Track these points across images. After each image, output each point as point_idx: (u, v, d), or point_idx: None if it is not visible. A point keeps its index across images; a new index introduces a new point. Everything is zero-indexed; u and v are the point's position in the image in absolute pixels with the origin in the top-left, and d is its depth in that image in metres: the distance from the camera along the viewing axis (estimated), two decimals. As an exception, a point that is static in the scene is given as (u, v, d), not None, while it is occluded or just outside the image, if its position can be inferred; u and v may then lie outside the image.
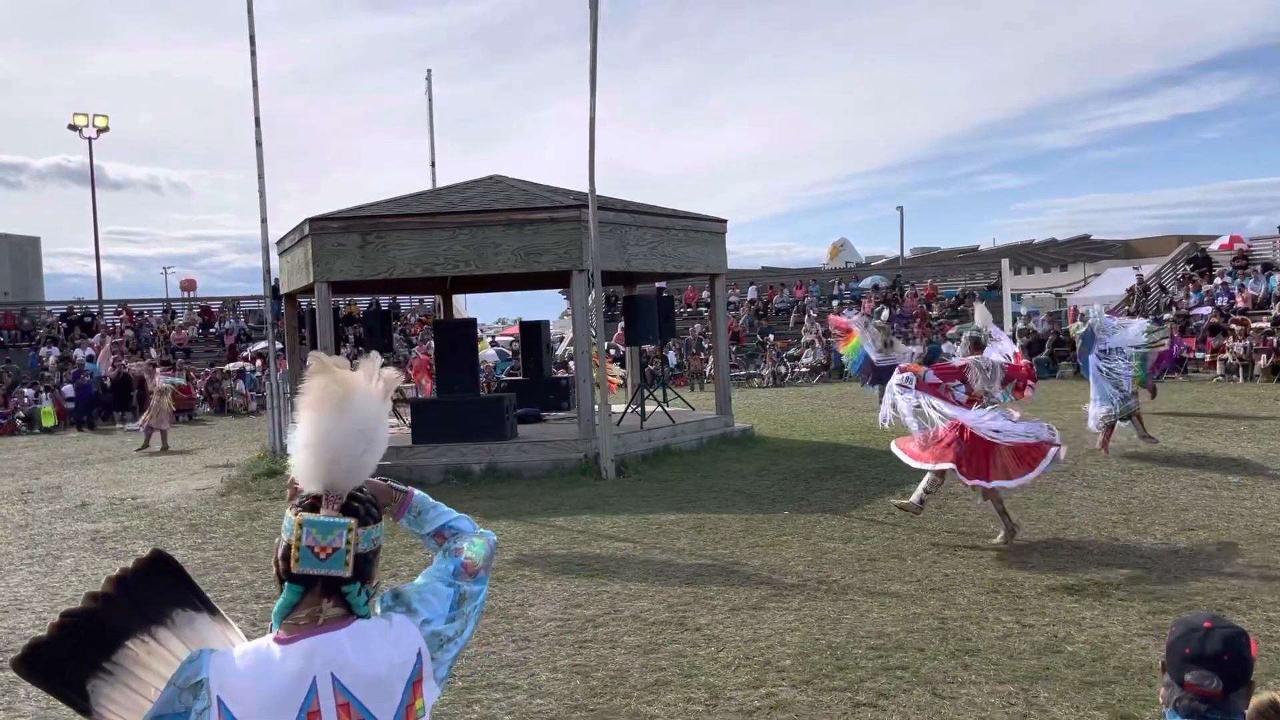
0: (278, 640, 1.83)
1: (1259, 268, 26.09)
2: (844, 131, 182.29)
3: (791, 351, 29.04)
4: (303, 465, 1.88)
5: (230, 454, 16.37)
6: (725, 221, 15.87)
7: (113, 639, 1.94)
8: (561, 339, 30.00)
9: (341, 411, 1.86)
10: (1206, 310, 24.51)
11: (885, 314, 28.62)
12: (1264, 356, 21.12)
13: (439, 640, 1.88)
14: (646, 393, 15.09)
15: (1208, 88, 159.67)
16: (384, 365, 1.99)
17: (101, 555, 8.98)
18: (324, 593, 1.83)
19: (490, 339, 32.81)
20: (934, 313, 30.83)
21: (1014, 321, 28.56)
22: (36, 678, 1.93)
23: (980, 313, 9.25)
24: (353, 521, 1.83)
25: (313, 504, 1.86)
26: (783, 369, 27.75)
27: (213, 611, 2.11)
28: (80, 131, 38.55)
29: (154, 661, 1.96)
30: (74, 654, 1.92)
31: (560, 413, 16.13)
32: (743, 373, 27.57)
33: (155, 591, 2.03)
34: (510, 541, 8.72)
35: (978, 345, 8.31)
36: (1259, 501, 8.96)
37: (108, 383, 24.36)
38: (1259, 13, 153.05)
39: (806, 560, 7.57)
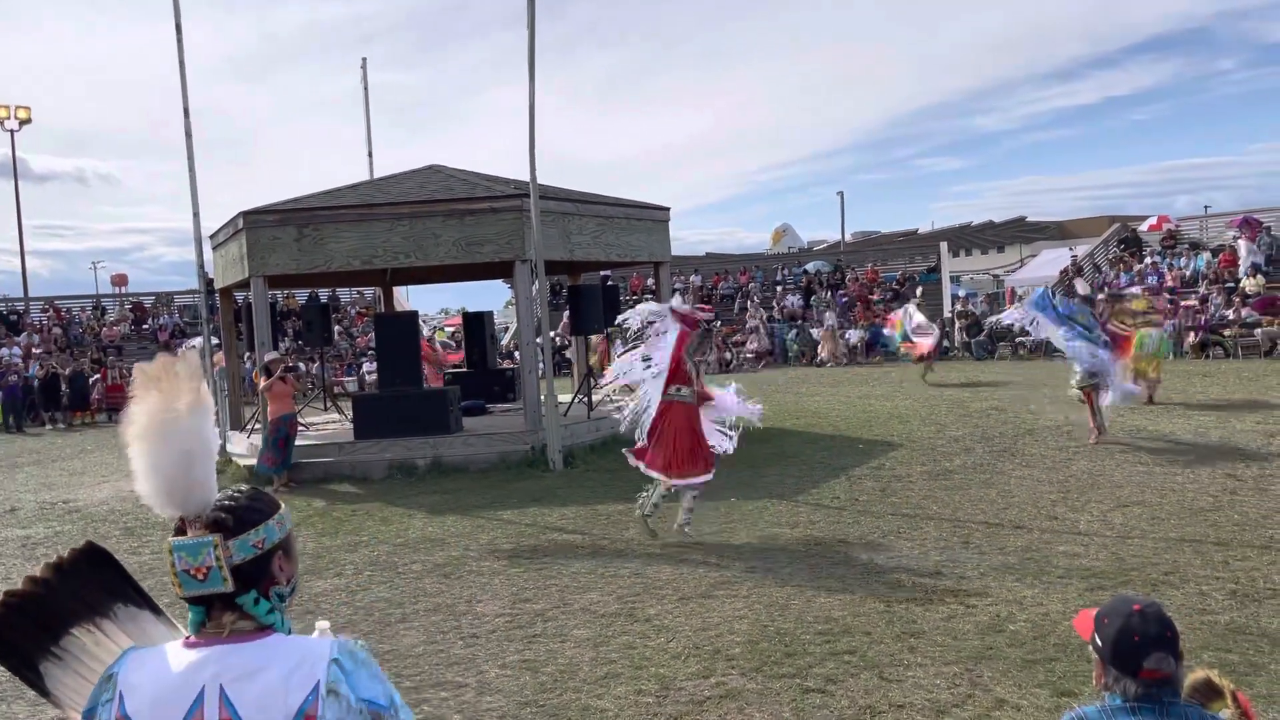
0: (185, 644, 1.82)
1: (1187, 247, 26.83)
2: (785, 116, 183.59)
3: (737, 338, 29.18)
4: (147, 494, 1.83)
5: (167, 453, 15.97)
6: (668, 209, 15.87)
7: (58, 625, 1.95)
8: (506, 329, 29.80)
9: (165, 435, 1.80)
10: (1137, 290, 25.12)
11: (919, 294, 29.02)
12: (1192, 334, 21.74)
13: (343, 673, 1.77)
14: (593, 382, 15.05)
15: (1137, 70, 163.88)
16: (197, 359, 1.91)
17: (32, 562, 8.70)
18: (223, 608, 1.80)
19: (434, 329, 32.46)
20: (875, 297, 31.20)
21: (953, 304, 29.01)
22: None
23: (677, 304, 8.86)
24: (217, 537, 1.77)
25: (181, 526, 1.82)
26: (728, 355, 27.87)
27: (155, 610, 2.08)
28: (1, 124, 37.25)
29: (101, 652, 1.96)
30: (22, 633, 1.93)
31: (506, 404, 16.03)
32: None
33: (94, 583, 2.01)
34: (457, 536, 8.64)
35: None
36: (1190, 477, 9.22)
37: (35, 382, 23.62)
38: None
39: (754, 547, 7.62)
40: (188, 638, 1.83)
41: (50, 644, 1.94)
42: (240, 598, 1.79)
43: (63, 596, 1.96)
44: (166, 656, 1.81)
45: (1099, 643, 2.17)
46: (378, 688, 1.80)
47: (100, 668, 1.91)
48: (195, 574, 1.77)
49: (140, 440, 1.81)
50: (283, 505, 1.92)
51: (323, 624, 2.02)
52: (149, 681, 1.78)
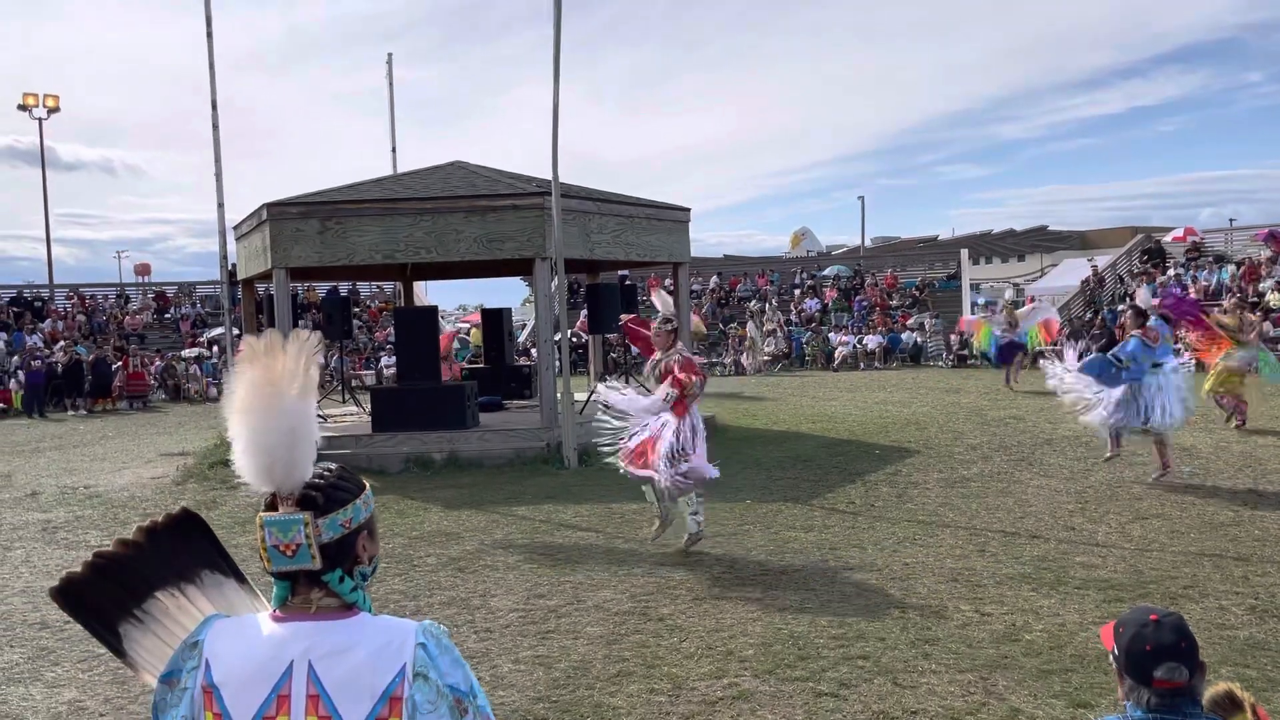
0: (273, 618, 1.84)
1: (1211, 259, 26.62)
2: (807, 120, 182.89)
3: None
4: (245, 469, 1.85)
5: (186, 441, 16.11)
6: (688, 210, 15.86)
7: (142, 587, 1.99)
8: (524, 326, 29.86)
9: (271, 412, 1.81)
10: (1156, 301, 24.95)
11: (1009, 293, 29.05)
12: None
13: (429, 657, 1.80)
14: (610, 381, 15.05)
15: (1164, 81, 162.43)
16: (312, 341, 1.89)
17: (53, 546, 8.79)
18: (309, 584, 1.83)
19: (454, 324, 32.54)
20: (894, 302, 31.10)
21: (972, 311, 28.88)
22: (71, 609, 1.99)
23: (661, 299, 8.46)
24: (307, 515, 1.79)
25: (272, 502, 1.84)
26: (745, 358, 27.84)
27: (240, 579, 2.11)
28: (30, 112, 37.60)
29: (183, 617, 1.99)
30: (105, 594, 1.97)
31: (522, 401, 16.06)
32: (705, 361, 27.63)
33: (184, 549, 2.05)
34: (472, 531, 8.67)
35: (676, 335, 7.79)
36: (1211, 490, 9.14)
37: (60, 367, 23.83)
38: (1215, 6, 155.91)
39: (768, 549, 7.60)
40: (275, 611, 1.85)
41: (134, 606, 1.97)
42: (326, 575, 1.82)
43: (152, 559, 2.00)
44: (254, 628, 1.84)
45: (1115, 652, 2.17)
46: (459, 673, 1.82)
47: (180, 631, 1.94)
48: (285, 550, 1.80)
49: (244, 415, 1.82)
50: (367, 485, 1.93)
51: None
52: (236, 652, 1.80)
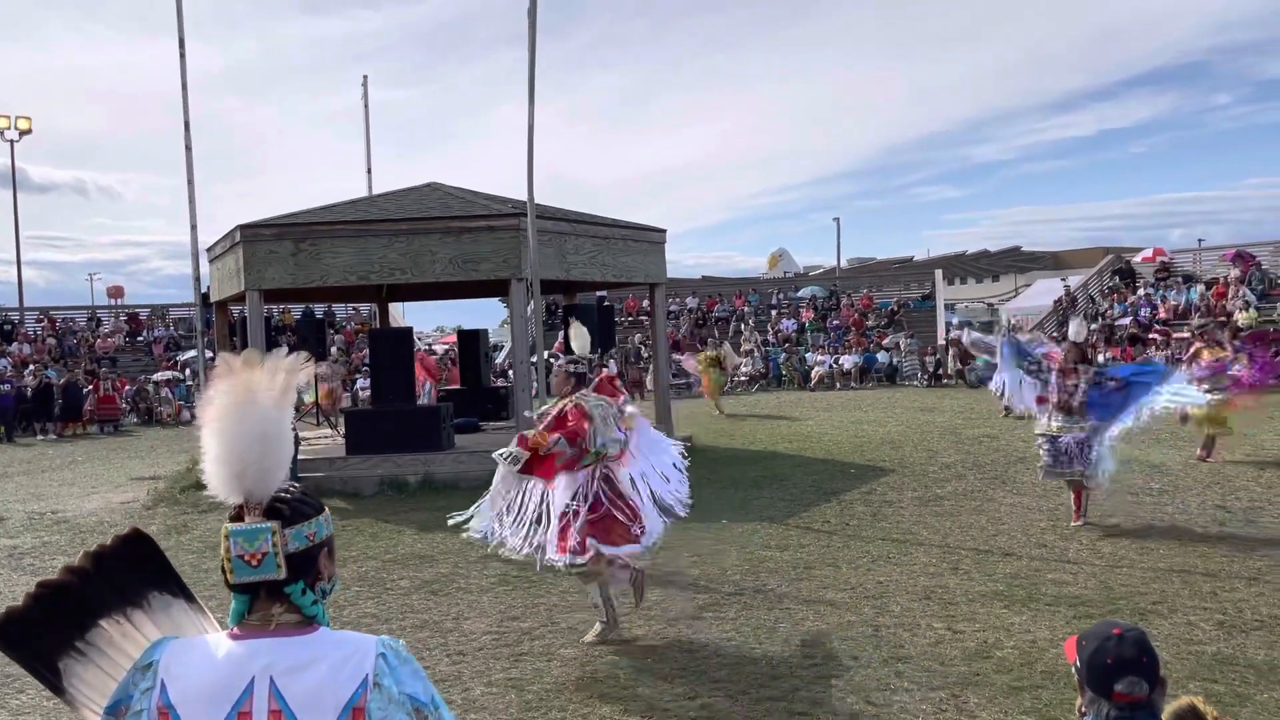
0: (231, 635, 1.83)
1: (1180, 279, 27.00)
2: (783, 142, 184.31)
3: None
4: (215, 479, 1.86)
5: (157, 466, 15.93)
6: (665, 231, 15.94)
7: (87, 617, 1.94)
8: (500, 348, 29.80)
9: (243, 420, 1.83)
10: (1127, 320, 25.29)
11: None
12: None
13: (387, 667, 1.82)
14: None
15: (1134, 103, 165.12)
16: (291, 358, 1.92)
17: (19, 572, 8.65)
18: (270, 598, 1.83)
19: (427, 346, 32.42)
20: (870, 322, 31.31)
21: (947, 331, 29.12)
22: (9, 649, 1.92)
23: (576, 333, 6.91)
24: (275, 524, 1.81)
25: (238, 513, 1.85)
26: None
27: (190, 599, 2.09)
28: (2, 134, 37.32)
29: (126, 644, 1.95)
30: (47, 628, 1.91)
31: (499, 422, 16.01)
32: (682, 382, 27.64)
33: (132, 571, 2.01)
34: (446, 554, 8.62)
35: (580, 380, 6.33)
36: (1179, 507, 9.24)
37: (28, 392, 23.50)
38: (1184, 30, 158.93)
39: (743, 569, 7.60)
40: (232, 629, 1.85)
41: (77, 638, 1.93)
42: (289, 587, 1.83)
43: (99, 585, 1.96)
44: (212, 647, 1.83)
45: (1078, 664, 2.20)
46: (418, 684, 1.83)
47: (124, 660, 1.91)
48: (249, 560, 1.80)
49: (219, 421, 1.84)
50: (326, 507, 1.95)
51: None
52: (194, 671, 1.80)
